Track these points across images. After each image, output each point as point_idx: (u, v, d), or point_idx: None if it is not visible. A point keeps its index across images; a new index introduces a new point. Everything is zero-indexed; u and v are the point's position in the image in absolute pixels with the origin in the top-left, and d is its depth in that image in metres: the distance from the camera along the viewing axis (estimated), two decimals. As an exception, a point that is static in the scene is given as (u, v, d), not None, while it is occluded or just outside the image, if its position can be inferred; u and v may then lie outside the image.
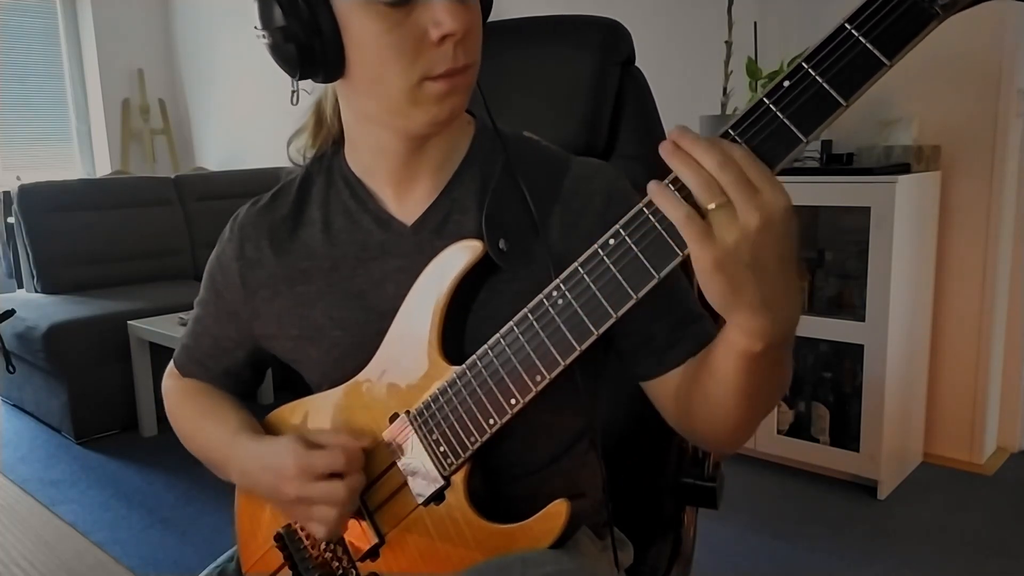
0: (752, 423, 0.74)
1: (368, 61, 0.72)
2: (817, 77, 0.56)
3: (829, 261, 2.58)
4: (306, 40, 0.71)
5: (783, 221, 0.57)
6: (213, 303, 0.93)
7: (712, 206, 0.57)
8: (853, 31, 0.55)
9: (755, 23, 2.62)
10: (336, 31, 0.71)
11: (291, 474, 0.77)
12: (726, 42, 2.60)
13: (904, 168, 2.32)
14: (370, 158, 0.83)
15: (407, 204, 0.83)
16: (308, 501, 0.78)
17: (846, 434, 2.45)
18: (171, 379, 1.01)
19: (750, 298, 0.59)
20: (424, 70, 0.71)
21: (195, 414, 0.95)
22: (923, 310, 2.50)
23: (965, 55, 2.37)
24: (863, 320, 2.31)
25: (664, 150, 0.59)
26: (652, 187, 0.60)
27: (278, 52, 0.73)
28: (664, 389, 0.80)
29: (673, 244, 0.61)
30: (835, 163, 2.43)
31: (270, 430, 0.91)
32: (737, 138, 0.58)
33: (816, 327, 2.42)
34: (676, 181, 0.60)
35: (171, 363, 1.01)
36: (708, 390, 0.71)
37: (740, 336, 0.62)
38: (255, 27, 0.74)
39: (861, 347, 2.34)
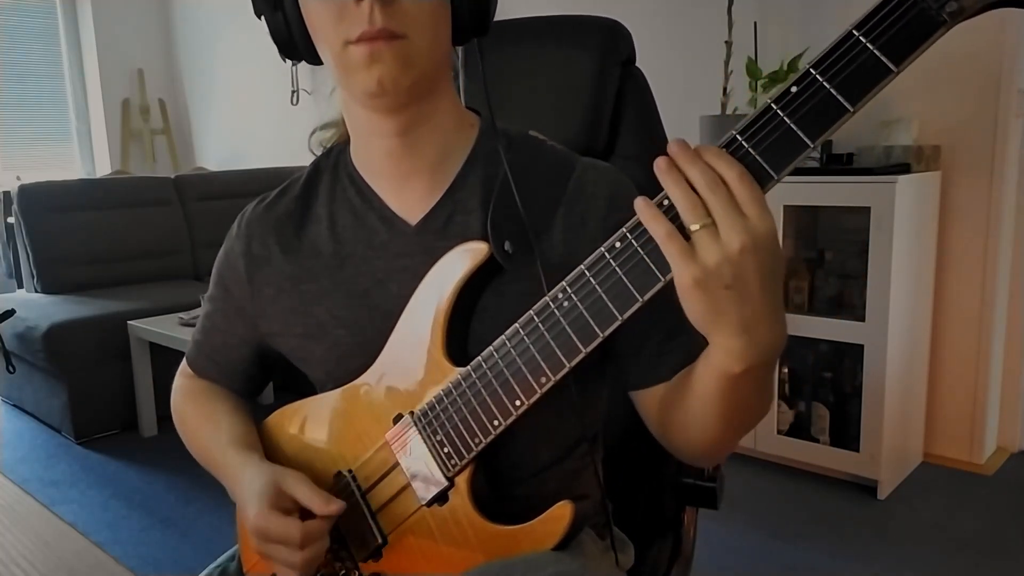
0: (730, 442, 0.75)
1: (312, 29, 0.75)
2: (824, 83, 0.56)
3: (829, 261, 2.58)
4: (272, 17, 0.76)
5: (766, 245, 0.57)
6: (222, 299, 0.93)
7: (696, 227, 0.57)
8: (861, 38, 0.55)
9: (755, 23, 2.62)
10: (295, 5, 0.74)
11: (249, 525, 0.76)
12: (726, 42, 2.60)
13: (904, 168, 2.32)
14: (363, 147, 0.84)
15: (409, 202, 0.83)
16: (266, 554, 0.77)
17: (846, 434, 2.45)
18: (181, 377, 1.01)
19: (730, 319, 0.59)
20: (345, 33, 0.71)
21: (195, 417, 0.95)
22: (923, 310, 2.50)
23: (965, 56, 2.37)
24: (863, 320, 2.32)
25: (658, 167, 0.59)
26: (638, 203, 0.60)
27: (271, 34, 0.77)
28: (650, 399, 0.80)
29: None
30: (835, 163, 2.43)
31: (271, 433, 0.91)
32: (744, 143, 0.59)
33: (816, 327, 2.42)
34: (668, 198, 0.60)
35: (183, 360, 1.01)
36: (688, 405, 0.71)
37: (720, 356, 0.63)
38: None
39: (861, 347, 2.34)
